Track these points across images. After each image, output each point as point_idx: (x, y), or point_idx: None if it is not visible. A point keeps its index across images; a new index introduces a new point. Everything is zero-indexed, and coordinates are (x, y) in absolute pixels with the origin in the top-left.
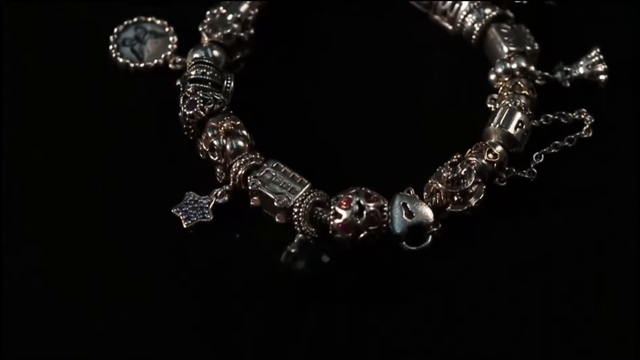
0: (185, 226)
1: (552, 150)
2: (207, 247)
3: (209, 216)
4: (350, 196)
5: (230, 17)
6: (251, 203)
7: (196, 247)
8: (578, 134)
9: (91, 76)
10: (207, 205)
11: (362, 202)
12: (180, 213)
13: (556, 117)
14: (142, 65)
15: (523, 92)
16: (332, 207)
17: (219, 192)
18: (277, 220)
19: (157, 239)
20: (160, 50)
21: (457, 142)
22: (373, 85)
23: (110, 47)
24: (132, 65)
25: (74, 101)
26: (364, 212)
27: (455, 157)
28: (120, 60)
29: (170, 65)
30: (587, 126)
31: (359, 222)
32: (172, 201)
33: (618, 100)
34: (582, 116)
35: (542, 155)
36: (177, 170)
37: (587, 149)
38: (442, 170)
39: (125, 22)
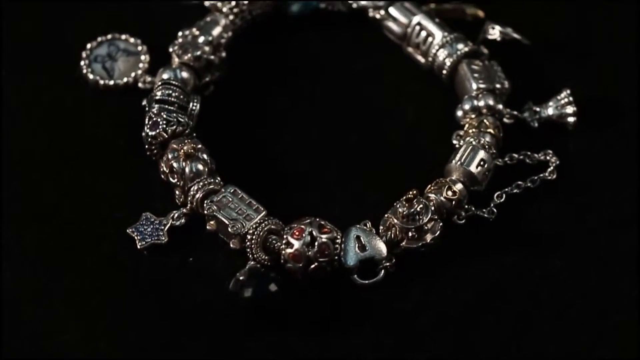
0: (139, 247)
1: (514, 191)
2: (160, 269)
3: (163, 238)
4: (303, 226)
5: (201, 39)
6: (207, 227)
7: (149, 269)
8: (542, 175)
9: (60, 91)
10: (162, 227)
11: (314, 232)
12: (135, 233)
13: (521, 157)
14: (111, 82)
15: (488, 130)
16: (285, 236)
17: (176, 215)
18: (232, 246)
19: (111, 258)
20: (131, 69)
21: (422, 176)
22: (342, 114)
23: (82, 62)
24: (101, 82)
25: (40, 116)
26: (316, 243)
27: (411, 192)
28: (91, 76)
29: (140, 84)
30: (552, 168)
31: (309, 253)
32: (132, 221)
33: (586, 144)
34: (548, 157)
35: (504, 195)
36: (140, 190)
37: (551, 191)
38: (398, 206)
39: (99, 39)
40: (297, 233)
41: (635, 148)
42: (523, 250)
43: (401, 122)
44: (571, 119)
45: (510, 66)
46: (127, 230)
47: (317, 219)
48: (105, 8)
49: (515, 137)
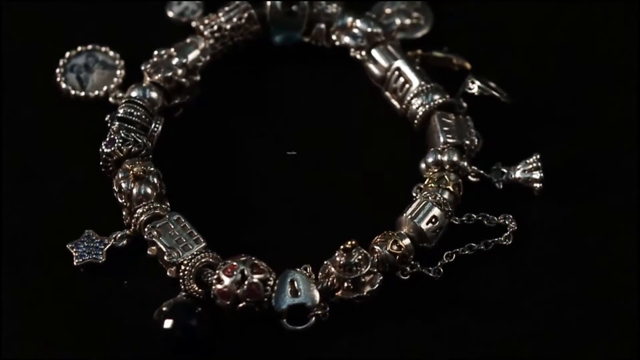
0: (75, 263)
1: (466, 252)
2: (94, 289)
3: (101, 258)
4: (235, 264)
5: (175, 60)
6: (148, 252)
7: (83, 287)
8: (497, 239)
9: (32, 97)
10: (102, 247)
11: (246, 271)
12: (74, 249)
13: (480, 218)
14: (82, 94)
15: (448, 187)
16: (217, 272)
17: (119, 235)
18: (168, 274)
19: (48, 272)
20: (104, 82)
21: (379, 225)
22: (310, 151)
23: (57, 70)
24: (72, 92)
25: (5, 124)
26: (246, 282)
27: (349, 242)
28: (63, 85)
29: (110, 99)
30: (508, 233)
31: (238, 291)
32: (77, 237)
33: (551, 212)
34: (507, 222)
35: (454, 255)
36: (91, 206)
37: (504, 257)
38: (336, 254)
39: (79, 48)
40: (229, 270)
41: (599, 224)
42: (463, 315)
43: (368, 167)
44: (537, 185)
45: (490, 123)
46: (67, 246)
47: (253, 258)
48: (95, 19)
49: (480, 196)
